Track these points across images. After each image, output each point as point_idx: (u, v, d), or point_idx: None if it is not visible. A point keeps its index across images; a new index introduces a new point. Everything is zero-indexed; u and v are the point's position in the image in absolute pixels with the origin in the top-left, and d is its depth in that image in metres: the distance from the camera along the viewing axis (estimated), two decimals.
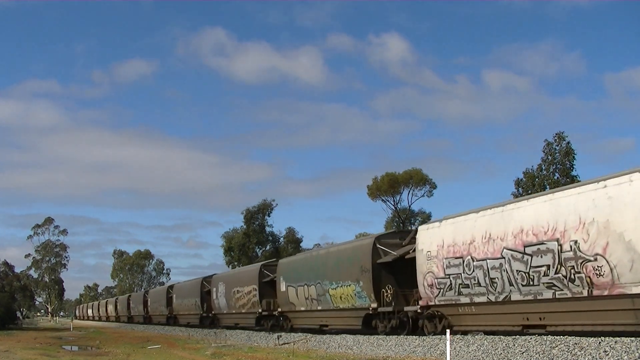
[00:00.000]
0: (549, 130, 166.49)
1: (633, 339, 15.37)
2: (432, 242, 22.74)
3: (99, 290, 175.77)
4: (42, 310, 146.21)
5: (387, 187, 62.29)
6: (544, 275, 17.93)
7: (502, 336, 19.51)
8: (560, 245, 17.33)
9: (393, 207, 64.40)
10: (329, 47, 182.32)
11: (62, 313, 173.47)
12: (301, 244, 77.31)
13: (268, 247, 76.57)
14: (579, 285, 16.88)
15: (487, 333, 20.89)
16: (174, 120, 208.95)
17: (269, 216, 76.73)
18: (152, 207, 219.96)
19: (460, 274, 21.21)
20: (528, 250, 18.60)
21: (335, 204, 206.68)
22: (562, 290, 17.40)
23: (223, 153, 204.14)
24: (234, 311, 41.30)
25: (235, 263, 73.84)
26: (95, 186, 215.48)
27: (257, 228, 75.84)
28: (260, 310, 36.72)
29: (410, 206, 64.24)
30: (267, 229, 76.96)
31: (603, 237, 16.12)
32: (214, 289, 45.22)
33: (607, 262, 16.00)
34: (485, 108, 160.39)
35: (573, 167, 45.58)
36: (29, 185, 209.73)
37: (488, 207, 21.04)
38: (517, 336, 18.92)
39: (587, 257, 16.54)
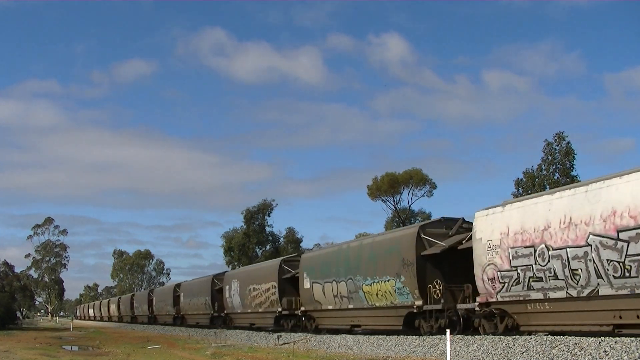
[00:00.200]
0: (549, 130, 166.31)
1: (633, 338, 14.94)
2: (493, 229, 19.61)
3: (99, 290, 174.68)
4: (42, 310, 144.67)
5: (387, 187, 61.55)
6: None
7: (502, 336, 18.70)
8: None
9: (393, 207, 63.67)
10: (329, 47, 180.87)
11: (62, 313, 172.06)
12: (301, 244, 76.50)
13: (268, 247, 75.39)
14: None
15: (557, 334, 17.97)
16: (174, 120, 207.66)
17: (269, 216, 75.78)
18: (152, 207, 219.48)
19: (531, 265, 18.09)
20: (623, 235, 15.53)
21: (335, 204, 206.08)
22: None
23: (223, 153, 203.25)
24: (249, 310, 38.13)
25: (235, 263, 72.78)
26: (95, 186, 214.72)
27: (257, 228, 74.71)
28: (280, 310, 33.59)
29: (410, 206, 63.56)
30: (267, 229, 75.99)
31: None
32: (227, 287, 42.01)
33: None
34: (485, 108, 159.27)
35: (573, 167, 44.89)
36: (29, 185, 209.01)
37: (565, 187, 18.02)
38: (517, 336, 18.20)
39: None
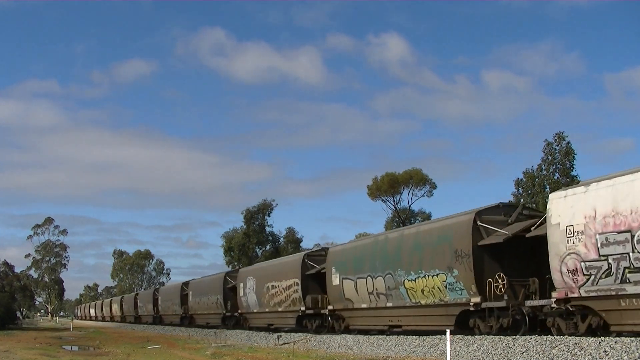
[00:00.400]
0: (548, 130, 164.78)
1: (633, 338, 14.71)
2: (574, 213, 16.63)
3: (99, 290, 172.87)
4: (42, 310, 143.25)
5: (387, 187, 60.85)
6: None
7: (502, 336, 18.31)
8: None
9: (393, 207, 62.86)
10: (329, 47, 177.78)
11: (62, 313, 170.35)
12: (301, 244, 75.55)
13: (268, 247, 74.56)
14: None
15: None
16: (174, 120, 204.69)
17: (269, 216, 74.90)
18: (152, 207, 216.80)
19: (627, 254, 15.18)
20: None
21: (335, 204, 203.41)
22: None
23: (223, 153, 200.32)
24: (267, 310, 35.10)
25: (235, 263, 71.51)
26: (95, 186, 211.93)
27: (257, 228, 73.83)
28: (303, 309, 30.65)
29: (410, 206, 62.71)
30: (267, 229, 75.08)
31: None
32: (241, 285, 38.97)
33: None
34: (485, 108, 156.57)
35: (573, 167, 44.27)
36: (29, 185, 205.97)
37: None
38: (517, 336, 17.87)
39: None
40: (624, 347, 14.23)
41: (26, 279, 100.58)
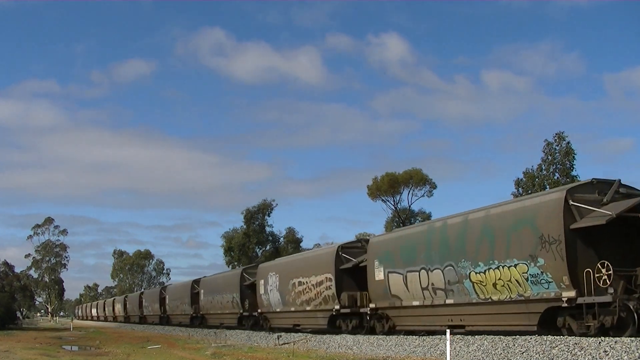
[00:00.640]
0: (548, 130, 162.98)
1: (633, 338, 14.51)
2: None
3: (99, 290, 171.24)
4: (42, 310, 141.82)
5: (387, 187, 60.46)
6: None
7: (502, 336, 18.11)
8: None
9: (393, 207, 62.37)
10: (328, 47, 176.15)
11: (62, 313, 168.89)
12: (301, 244, 74.90)
13: (268, 247, 74.26)
14: None
15: None
16: (174, 120, 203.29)
17: (269, 216, 74.50)
18: (152, 207, 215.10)
19: None
20: None
21: (335, 204, 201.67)
22: None
23: (223, 153, 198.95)
24: (292, 309, 31.59)
25: (235, 263, 70.70)
26: (95, 186, 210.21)
27: (257, 228, 73.47)
28: (337, 307, 27.24)
29: (410, 206, 62.13)
30: (267, 229, 74.68)
31: None
32: (261, 282, 35.54)
33: None
34: (485, 108, 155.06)
35: (573, 167, 44.02)
36: (29, 185, 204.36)
37: None
38: (517, 336, 17.62)
39: None
40: (624, 347, 13.95)
41: (26, 279, 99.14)
